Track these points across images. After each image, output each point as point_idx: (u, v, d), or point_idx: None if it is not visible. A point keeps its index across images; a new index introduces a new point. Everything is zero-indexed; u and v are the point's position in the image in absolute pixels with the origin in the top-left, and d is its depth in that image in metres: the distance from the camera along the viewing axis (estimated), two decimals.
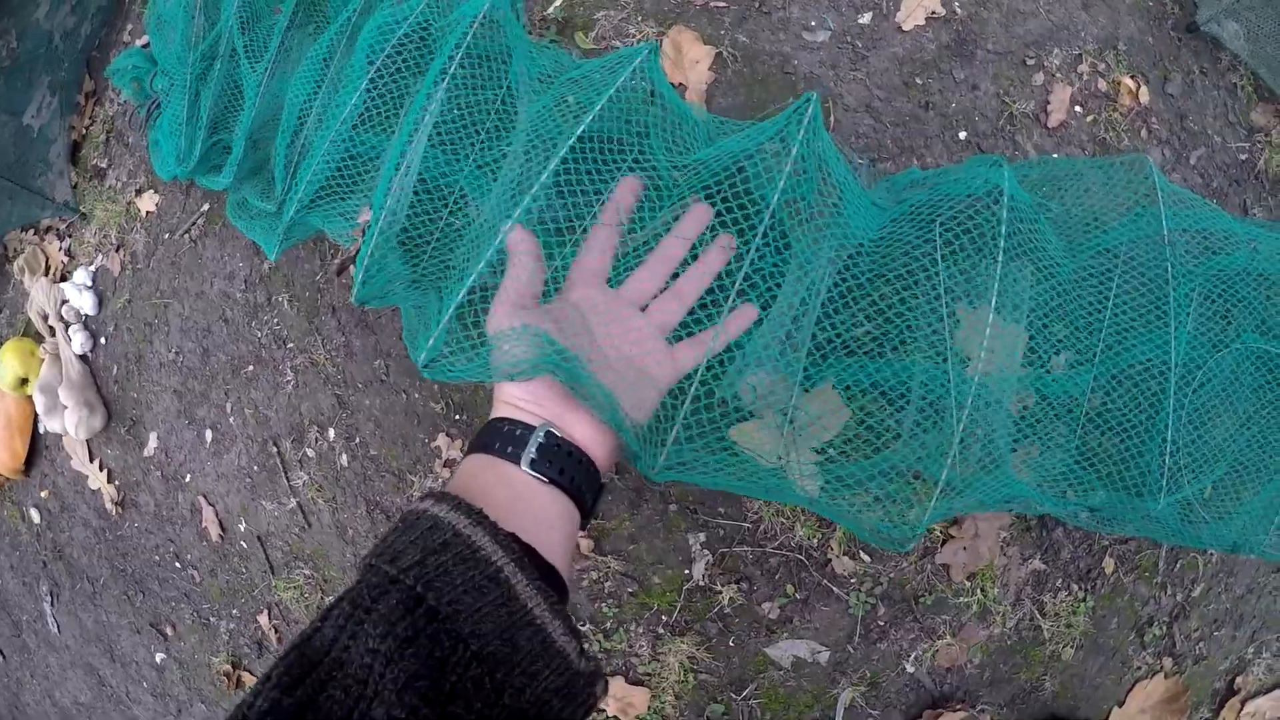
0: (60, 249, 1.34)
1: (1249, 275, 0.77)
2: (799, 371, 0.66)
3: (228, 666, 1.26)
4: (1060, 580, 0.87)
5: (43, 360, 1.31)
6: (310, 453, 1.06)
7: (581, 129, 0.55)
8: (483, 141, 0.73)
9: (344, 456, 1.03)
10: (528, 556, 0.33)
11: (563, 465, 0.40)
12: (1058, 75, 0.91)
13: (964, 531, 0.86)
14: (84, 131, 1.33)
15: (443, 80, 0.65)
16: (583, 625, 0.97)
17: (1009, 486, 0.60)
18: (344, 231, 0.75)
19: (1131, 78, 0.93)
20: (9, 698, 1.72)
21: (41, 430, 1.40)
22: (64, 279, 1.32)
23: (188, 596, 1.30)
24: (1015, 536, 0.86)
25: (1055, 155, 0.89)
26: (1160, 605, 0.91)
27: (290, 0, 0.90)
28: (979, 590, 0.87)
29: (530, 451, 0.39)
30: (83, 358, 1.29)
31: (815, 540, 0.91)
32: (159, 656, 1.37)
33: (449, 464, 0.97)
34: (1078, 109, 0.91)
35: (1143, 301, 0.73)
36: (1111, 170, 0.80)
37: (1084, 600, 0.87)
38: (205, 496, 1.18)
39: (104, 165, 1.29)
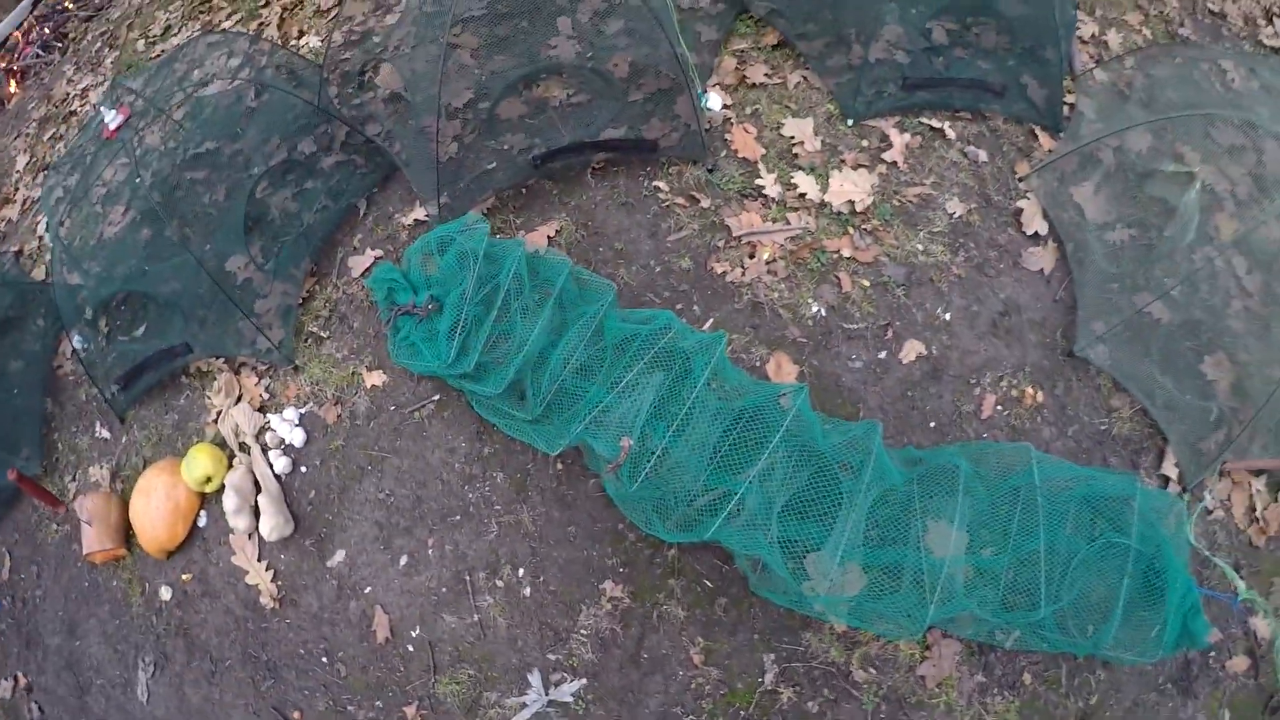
0: (258, 385, 1.66)
1: (1090, 500, 1.45)
2: (838, 554, 1.27)
3: None
4: (996, 690, 1.45)
5: (232, 468, 1.59)
6: (499, 583, 1.45)
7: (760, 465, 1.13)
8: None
9: (528, 589, 1.44)
10: None
11: None
12: (988, 388, 1.60)
13: (933, 654, 1.44)
14: (300, 299, 1.69)
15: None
16: (687, 716, 1.42)
17: (963, 605, 1.21)
18: (611, 446, 1.25)
19: (1031, 387, 1.63)
20: None
21: (201, 523, 1.64)
22: (261, 410, 1.64)
23: (326, 687, 1.57)
24: (964, 659, 1.45)
25: (985, 438, 1.57)
26: (1068, 710, 1.48)
27: (560, 283, 1.41)
28: (945, 694, 1.44)
29: None
30: (277, 477, 1.59)
31: (842, 659, 1.45)
32: None
33: (612, 599, 1.41)
34: (999, 407, 1.60)
35: (1033, 517, 1.39)
36: (1005, 452, 1.49)
37: (1013, 704, 1.46)
38: (382, 606, 1.51)
39: (324, 335, 1.66)
